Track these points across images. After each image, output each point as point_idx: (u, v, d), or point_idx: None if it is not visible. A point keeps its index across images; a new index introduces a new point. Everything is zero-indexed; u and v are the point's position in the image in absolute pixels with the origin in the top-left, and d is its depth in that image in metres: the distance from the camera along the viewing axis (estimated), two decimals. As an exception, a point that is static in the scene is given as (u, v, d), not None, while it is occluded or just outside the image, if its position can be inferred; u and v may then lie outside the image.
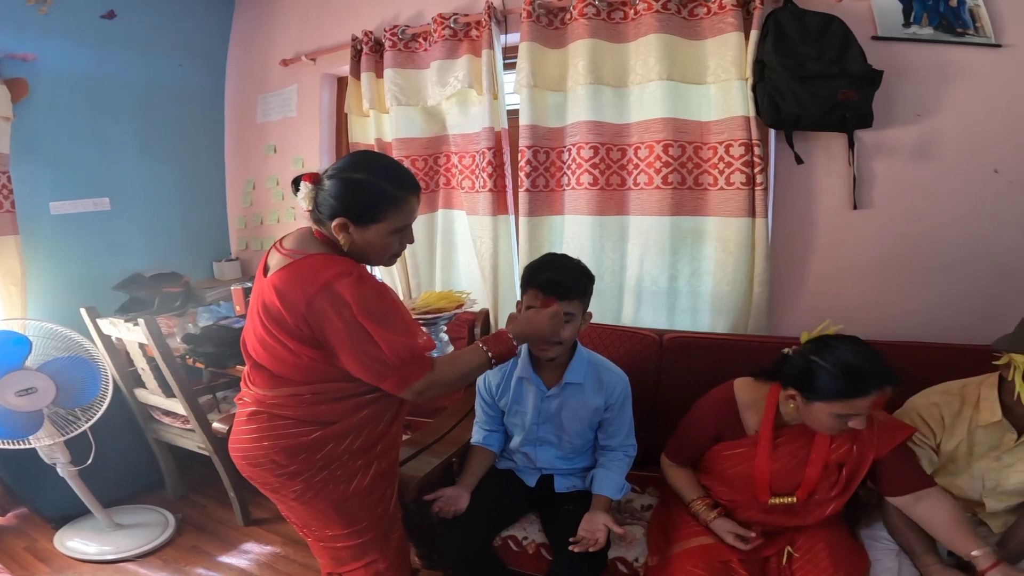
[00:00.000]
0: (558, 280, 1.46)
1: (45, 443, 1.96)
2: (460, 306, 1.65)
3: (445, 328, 1.65)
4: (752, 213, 1.81)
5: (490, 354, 1.28)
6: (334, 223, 1.18)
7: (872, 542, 1.36)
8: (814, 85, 1.67)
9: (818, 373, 1.21)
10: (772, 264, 1.84)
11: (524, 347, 1.61)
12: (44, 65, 2.36)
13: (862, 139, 1.75)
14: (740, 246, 1.84)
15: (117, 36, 2.59)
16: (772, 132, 1.85)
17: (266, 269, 1.25)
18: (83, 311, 2.19)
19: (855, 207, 1.77)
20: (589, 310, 1.55)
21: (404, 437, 1.91)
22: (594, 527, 1.42)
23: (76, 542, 2.12)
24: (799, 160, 1.76)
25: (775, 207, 1.87)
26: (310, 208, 1.22)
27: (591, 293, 1.53)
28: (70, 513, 2.22)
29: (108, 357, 2.20)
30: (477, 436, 1.70)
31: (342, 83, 2.73)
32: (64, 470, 2.04)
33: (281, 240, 1.27)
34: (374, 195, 1.18)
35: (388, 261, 1.29)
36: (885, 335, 1.69)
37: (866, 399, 1.17)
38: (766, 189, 1.80)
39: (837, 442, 1.30)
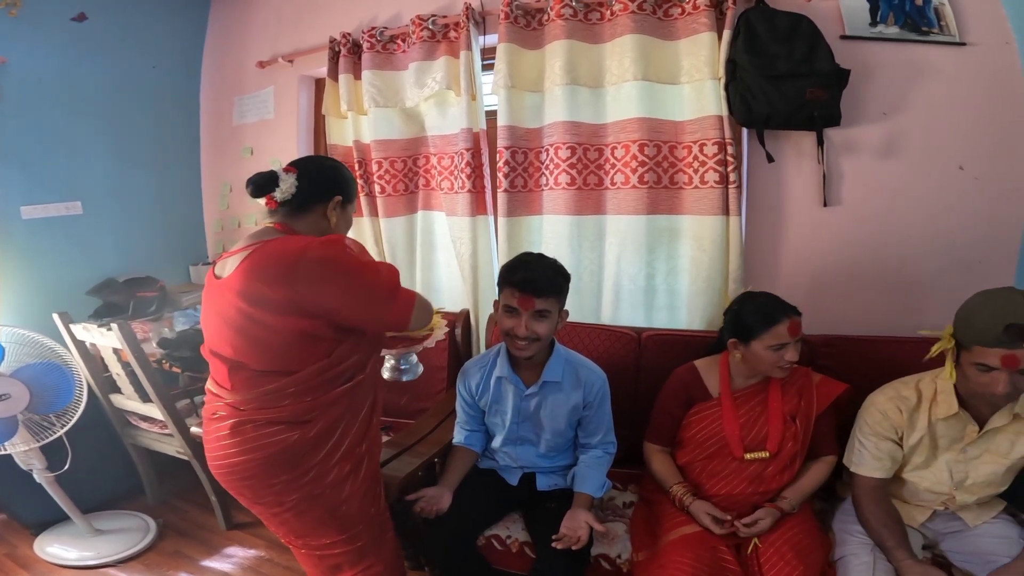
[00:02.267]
0: (532, 278, 1.48)
1: (20, 449, 1.94)
2: (431, 334, 1.67)
3: (415, 356, 1.60)
4: (726, 211, 1.84)
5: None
6: (332, 201, 1.31)
7: (847, 536, 1.38)
8: (783, 84, 1.70)
9: (743, 318, 1.49)
10: (746, 261, 1.87)
11: (502, 347, 1.62)
12: (14, 68, 2.32)
13: (831, 137, 1.78)
14: (715, 244, 1.86)
15: (88, 38, 2.54)
16: (745, 131, 1.87)
17: (218, 277, 1.24)
18: (56, 316, 2.16)
19: (825, 204, 1.80)
20: (566, 308, 1.56)
21: (385, 439, 1.92)
22: (576, 525, 1.43)
23: (56, 548, 2.10)
24: (770, 159, 1.78)
25: (748, 205, 1.90)
26: (287, 199, 1.26)
27: (567, 291, 1.55)
28: (49, 519, 2.19)
29: (83, 363, 2.18)
30: (459, 436, 1.70)
31: (319, 85, 2.72)
32: (41, 476, 2.02)
33: (222, 254, 1.29)
34: (349, 178, 1.38)
35: None
36: (855, 330, 1.74)
37: (782, 325, 1.42)
38: (739, 187, 1.83)
39: (787, 396, 1.51)
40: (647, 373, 1.84)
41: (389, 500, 1.48)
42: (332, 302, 1.16)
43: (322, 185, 1.31)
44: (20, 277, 2.40)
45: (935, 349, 1.32)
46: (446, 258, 2.42)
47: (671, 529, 1.43)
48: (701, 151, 1.86)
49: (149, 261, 2.77)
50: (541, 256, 1.58)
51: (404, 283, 2.35)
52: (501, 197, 2.10)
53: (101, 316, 2.39)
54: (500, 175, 2.09)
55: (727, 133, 1.80)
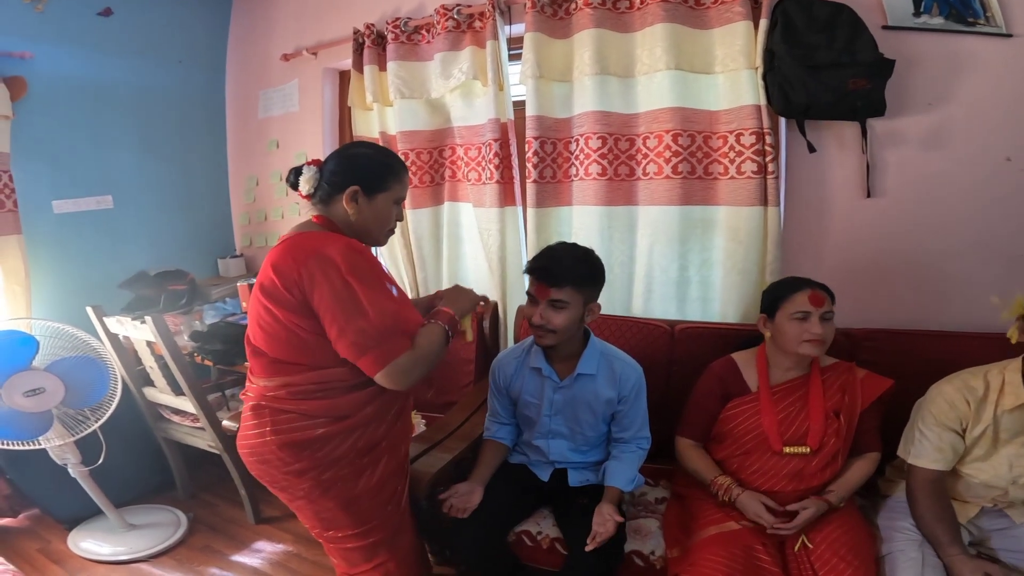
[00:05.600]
0: (547, 266, 1.47)
1: (55, 444, 1.94)
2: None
3: None
4: (764, 202, 1.80)
5: (445, 327, 1.29)
6: (346, 193, 1.26)
7: (893, 532, 1.34)
8: (823, 75, 1.66)
9: (771, 294, 1.54)
10: (784, 252, 1.83)
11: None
12: (41, 63, 2.33)
13: (874, 127, 1.73)
14: (751, 235, 1.83)
15: (114, 33, 2.55)
16: (783, 121, 1.83)
17: None
18: (90, 310, 2.17)
19: (868, 195, 1.76)
20: (597, 302, 1.53)
21: (415, 433, 1.90)
22: (602, 520, 1.42)
23: (89, 543, 2.11)
24: (812, 148, 1.75)
25: (787, 196, 1.86)
26: (311, 192, 1.29)
27: (595, 283, 1.52)
28: (82, 514, 2.21)
29: (116, 356, 2.19)
30: (489, 430, 1.68)
31: (344, 77, 2.71)
32: (75, 470, 2.03)
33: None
34: (377, 165, 1.31)
35: (385, 237, 1.37)
36: (897, 323, 1.70)
37: (803, 294, 1.45)
38: (778, 178, 1.79)
39: (829, 392, 1.48)
40: (680, 366, 1.81)
41: (419, 496, 1.49)
42: (320, 309, 1.16)
43: (337, 175, 1.28)
44: (52, 271, 2.42)
45: (1004, 314, 1.28)
46: (473, 250, 2.40)
47: (705, 526, 1.40)
48: (738, 141, 1.82)
49: (178, 255, 2.78)
50: (571, 245, 1.54)
51: (429, 275, 2.41)
52: (530, 188, 2.08)
53: (133, 310, 2.41)
54: (529, 165, 2.06)
55: (765, 123, 1.76)
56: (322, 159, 1.33)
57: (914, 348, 1.63)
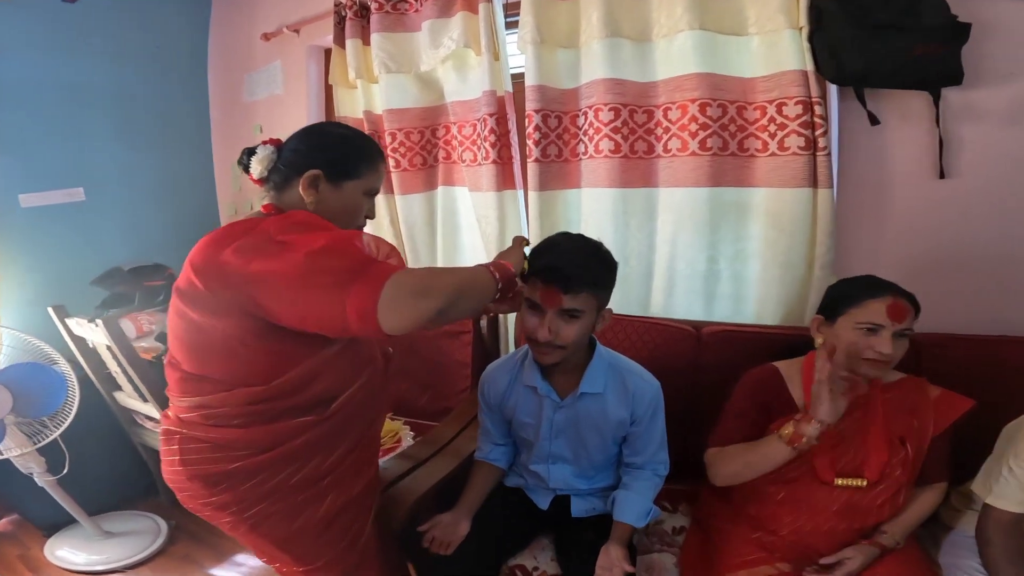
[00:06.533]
0: (559, 266, 1.17)
1: (15, 453, 1.83)
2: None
3: None
4: (813, 183, 1.53)
5: (494, 272, 1.02)
6: (304, 176, 1.06)
7: (959, 572, 1.18)
8: (884, 36, 1.40)
9: (837, 291, 1.28)
10: (838, 242, 1.57)
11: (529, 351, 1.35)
12: (6, 52, 2.19)
13: (947, 98, 1.46)
14: (796, 222, 1.57)
15: (85, 20, 2.39)
16: (833, 89, 1.56)
17: None
18: (51, 310, 2.03)
19: (942, 176, 1.49)
20: (609, 307, 1.28)
21: (400, 448, 1.75)
22: (610, 563, 1.20)
23: (65, 551, 2.05)
24: (874, 120, 1.48)
25: (840, 175, 1.59)
26: (264, 175, 1.11)
27: (610, 285, 1.26)
28: (61, 521, 2.12)
29: (83, 359, 2.06)
30: (482, 450, 1.48)
31: (329, 55, 2.50)
32: (41, 480, 1.93)
33: None
34: (350, 148, 1.12)
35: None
36: (972, 327, 1.44)
37: (880, 301, 1.18)
38: (830, 154, 1.52)
39: (894, 414, 1.23)
40: (707, 375, 1.56)
41: (395, 526, 1.31)
42: (265, 297, 0.92)
43: (298, 154, 1.09)
44: (20, 269, 2.29)
45: None
46: (471, 239, 2.19)
47: (733, 568, 1.21)
48: (780, 112, 1.55)
49: (159, 248, 2.61)
50: (579, 237, 1.27)
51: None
52: (532, 168, 1.84)
53: (108, 307, 2.28)
54: (530, 143, 1.82)
55: (813, 91, 1.49)
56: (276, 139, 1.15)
57: (993, 358, 1.38)
